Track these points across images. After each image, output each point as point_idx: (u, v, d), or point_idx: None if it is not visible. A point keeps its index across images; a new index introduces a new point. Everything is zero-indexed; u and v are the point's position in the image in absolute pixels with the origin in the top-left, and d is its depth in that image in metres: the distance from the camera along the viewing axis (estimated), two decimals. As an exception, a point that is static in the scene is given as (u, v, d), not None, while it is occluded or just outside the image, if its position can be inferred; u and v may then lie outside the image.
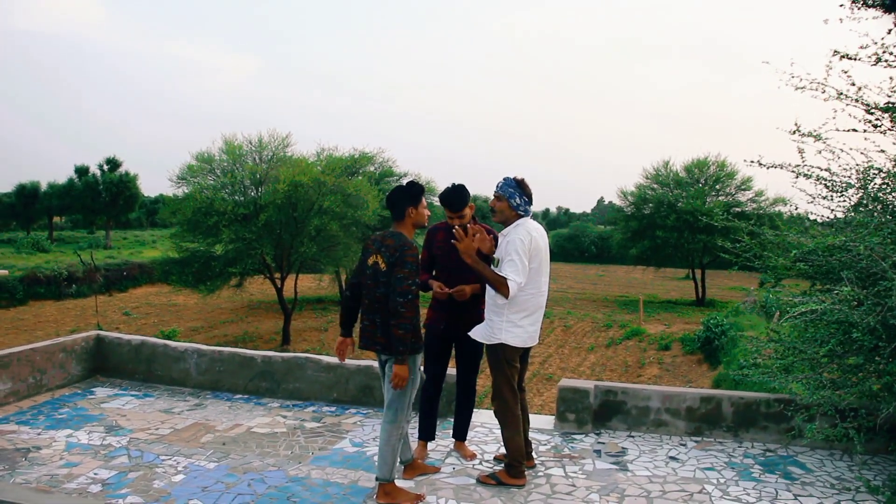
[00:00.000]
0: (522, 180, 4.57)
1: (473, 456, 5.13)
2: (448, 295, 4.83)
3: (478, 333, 4.66)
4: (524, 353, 4.71)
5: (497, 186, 4.57)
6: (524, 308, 4.49)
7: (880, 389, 4.74)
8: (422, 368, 4.38)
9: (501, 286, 4.34)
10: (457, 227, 4.63)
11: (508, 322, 4.48)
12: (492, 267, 4.52)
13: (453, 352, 5.13)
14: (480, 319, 4.91)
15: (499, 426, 4.71)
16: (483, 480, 4.66)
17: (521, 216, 4.55)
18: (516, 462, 4.63)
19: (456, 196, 4.76)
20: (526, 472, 4.71)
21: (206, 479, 4.65)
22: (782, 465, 5.13)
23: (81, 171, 54.62)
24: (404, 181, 5.34)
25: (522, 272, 4.35)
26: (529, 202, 4.56)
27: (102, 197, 52.88)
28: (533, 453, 5.05)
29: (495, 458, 5.08)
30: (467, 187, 4.79)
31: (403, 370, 4.20)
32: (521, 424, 4.66)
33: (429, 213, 4.50)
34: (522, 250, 4.36)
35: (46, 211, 57.17)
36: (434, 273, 5.03)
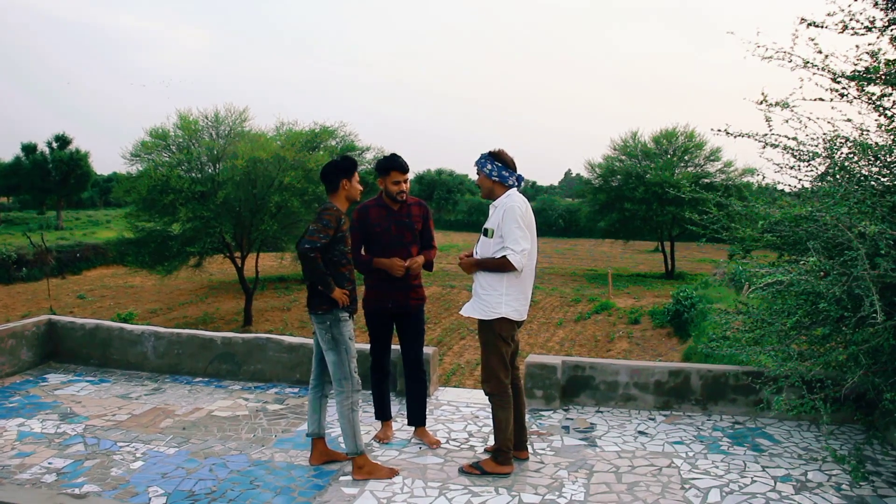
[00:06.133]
0: (496, 150, 4.44)
1: (438, 444, 4.94)
2: (406, 269, 4.77)
3: (472, 310, 4.43)
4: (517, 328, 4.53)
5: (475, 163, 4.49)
6: (521, 279, 4.35)
7: (846, 360, 4.75)
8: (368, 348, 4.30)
9: (506, 265, 4.22)
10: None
11: (507, 295, 4.31)
12: (484, 238, 4.39)
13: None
14: (419, 293, 4.93)
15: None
16: (466, 470, 4.44)
17: (508, 187, 4.41)
18: (505, 448, 4.40)
19: (401, 159, 4.81)
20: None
21: (166, 465, 4.51)
22: (751, 437, 5.14)
23: (29, 148, 51.84)
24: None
25: (524, 238, 4.22)
26: (509, 170, 4.39)
27: (52, 176, 50.84)
28: (528, 444, 4.79)
29: (486, 451, 4.79)
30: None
31: (337, 293, 4.25)
32: (512, 406, 4.46)
33: (361, 189, 4.47)
34: (520, 217, 4.24)
35: (-8, 191, 55.24)
36: (362, 251, 4.87)
